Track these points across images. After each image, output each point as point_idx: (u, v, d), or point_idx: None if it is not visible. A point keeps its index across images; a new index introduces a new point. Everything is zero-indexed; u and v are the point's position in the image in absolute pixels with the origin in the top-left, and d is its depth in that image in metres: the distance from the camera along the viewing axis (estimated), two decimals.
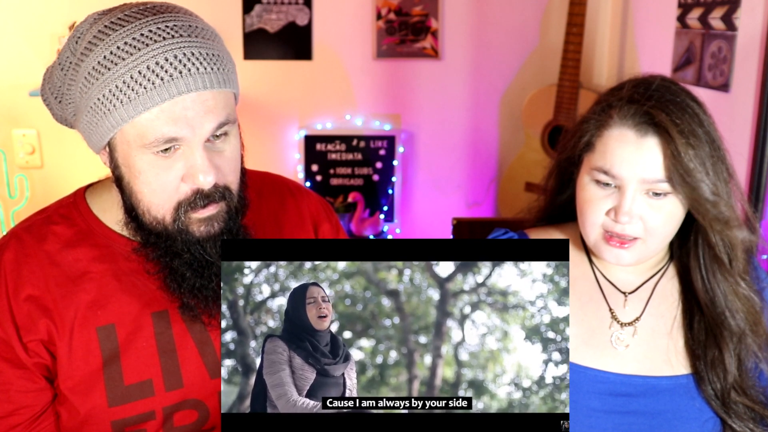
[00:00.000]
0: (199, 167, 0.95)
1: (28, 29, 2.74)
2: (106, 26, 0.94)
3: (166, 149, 0.94)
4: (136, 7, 0.97)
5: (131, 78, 0.91)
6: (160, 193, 0.96)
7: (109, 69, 0.92)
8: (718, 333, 1.07)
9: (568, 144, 1.13)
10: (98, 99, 0.94)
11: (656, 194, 1.02)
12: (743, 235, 1.05)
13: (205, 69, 0.94)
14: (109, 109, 0.93)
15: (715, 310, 1.07)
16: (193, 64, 0.93)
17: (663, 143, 1.00)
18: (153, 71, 0.91)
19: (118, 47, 0.92)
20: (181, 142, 0.94)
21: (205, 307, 1.03)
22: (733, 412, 1.06)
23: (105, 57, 0.93)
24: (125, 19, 0.94)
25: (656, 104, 1.01)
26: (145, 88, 0.91)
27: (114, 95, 0.92)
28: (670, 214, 1.04)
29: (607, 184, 1.04)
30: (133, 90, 0.91)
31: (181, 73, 0.92)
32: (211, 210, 0.98)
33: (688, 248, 1.11)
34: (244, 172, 1.07)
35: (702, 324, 1.10)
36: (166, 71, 0.92)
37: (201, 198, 0.97)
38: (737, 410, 1.06)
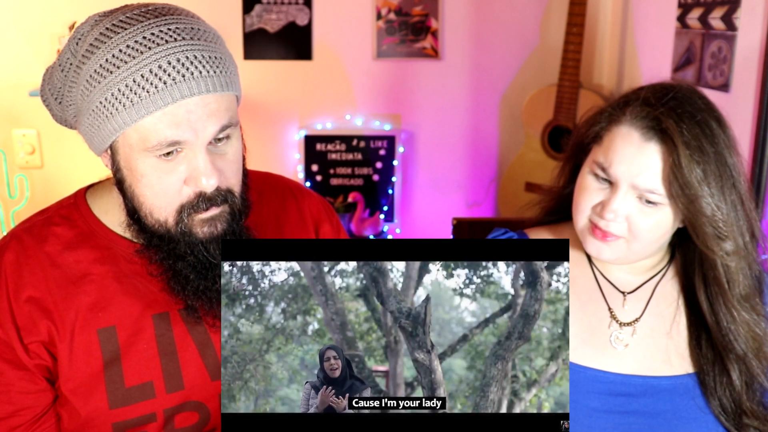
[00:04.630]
0: (201, 170, 0.94)
1: (28, 29, 2.74)
2: (107, 29, 0.94)
3: (169, 152, 0.94)
4: (137, 9, 0.97)
5: (134, 81, 0.91)
6: (163, 196, 0.96)
7: (111, 72, 0.92)
8: (725, 355, 1.06)
9: (581, 132, 1.13)
10: (100, 102, 0.94)
11: (648, 202, 1.02)
12: (732, 249, 1.02)
13: (208, 72, 0.94)
14: (111, 113, 0.93)
15: (720, 332, 1.06)
16: (196, 67, 0.93)
17: (665, 151, 0.99)
18: (156, 75, 0.91)
19: (121, 50, 0.92)
20: (183, 145, 0.94)
21: (209, 308, 1.03)
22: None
23: (107, 60, 0.92)
24: (127, 21, 0.94)
25: (668, 111, 1.00)
26: (147, 91, 0.91)
27: (116, 99, 0.92)
28: (657, 222, 1.03)
29: (604, 179, 1.05)
30: (135, 94, 0.91)
31: (183, 76, 0.92)
32: (213, 211, 0.98)
33: (694, 266, 1.10)
34: (246, 174, 1.06)
35: (709, 343, 1.09)
36: (168, 75, 0.91)
37: (203, 201, 0.97)
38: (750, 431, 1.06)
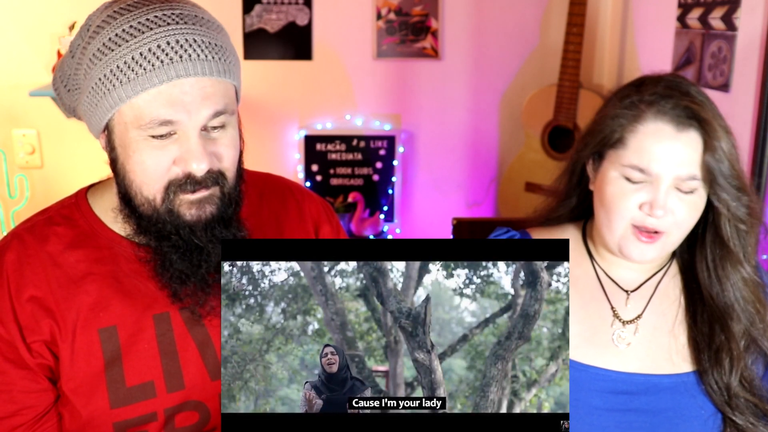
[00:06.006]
0: (192, 153, 0.95)
1: (28, 29, 2.74)
2: (114, 11, 0.97)
3: (162, 135, 0.95)
4: None
5: (132, 59, 0.93)
6: (151, 172, 0.97)
7: (111, 50, 0.94)
8: (724, 323, 1.08)
9: (590, 141, 1.12)
10: (99, 79, 0.95)
11: (685, 190, 1.04)
12: (749, 222, 1.07)
13: (206, 56, 0.95)
14: (108, 89, 0.94)
15: (721, 301, 1.09)
16: (194, 50, 0.94)
17: (704, 136, 1.02)
18: (154, 54, 0.93)
19: (123, 30, 0.94)
20: (176, 126, 0.95)
21: (192, 294, 1.03)
22: (735, 406, 1.06)
23: (110, 39, 0.94)
24: (133, 5, 0.96)
25: (694, 100, 1.04)
26: (144, 69, 0.92)
27: (114, 75, 0.94)
28: (695, 206, 1.05)
29: (638, 180, 1.05)
30: (132, 71, 0.93)
31: (181, 57, 0.93)
32: (202, 193, 0.98)
33: (694, 242, 1.12)
34: (242, 168, 1.07)
35: (705, 316, 1.10)
36: (166, 54, 0.93)
37: (191, 183, 0.97)
38: (739, 404, 1.06)
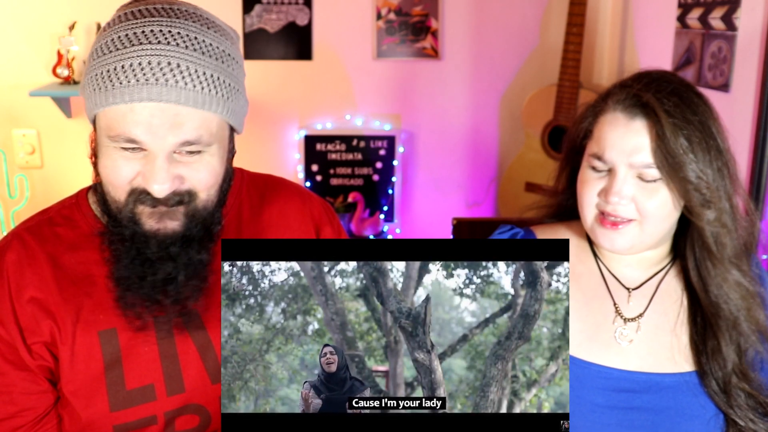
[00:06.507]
0: (154, 175, 0.93)
1: (28, 29, 2.74)
2: (125, 13, 0.96)
3: (133, 148, 0.94)
4: (160, 3, 0.97)
5: (114, 70, 0.92)
6: (113, 179, 0.96)
7: (104, 54, 0.94)
8: (714, 322, 1.08)
9: (572, 134, 1.16)
10: (89, 78, 0.96)
11: (648, 180, 1.04)
12: (715, 216, 1.05)
13: (185, 84, 0.93)
14: (92, 90, 0.95)
15: (709, 298, 1.09)
16: (174, 75, 0.92)
17: (649, 124, 1.03)
18: (133, 70, 0.91)
19: (119, 37, 0.94)
20: (143, 145, 0.93)
21: (132, 306, 1.01)
22: (735, 403, 1.06)
23: (105, 42, 0.94)
24: (142, 13, 0.95)
25: (645, 87, 1.04)
26: (120, 83, 0.92)
27: (96, 80, 0.94)
28: (665, 198, 1.05)
29: (602, 169, 1.07)
30: (111, 81, 0.92)
31: (157, 80, 0.91)
32: (161, 208, 0.97)
33: (685, 239, 1.12)
34: (226, 194, 1.05)
35: (703, 316, 1.10)
36: (144, 74, 0.91)
37: (151, 198, 0.96)
38: (739, 400, 1.07)
